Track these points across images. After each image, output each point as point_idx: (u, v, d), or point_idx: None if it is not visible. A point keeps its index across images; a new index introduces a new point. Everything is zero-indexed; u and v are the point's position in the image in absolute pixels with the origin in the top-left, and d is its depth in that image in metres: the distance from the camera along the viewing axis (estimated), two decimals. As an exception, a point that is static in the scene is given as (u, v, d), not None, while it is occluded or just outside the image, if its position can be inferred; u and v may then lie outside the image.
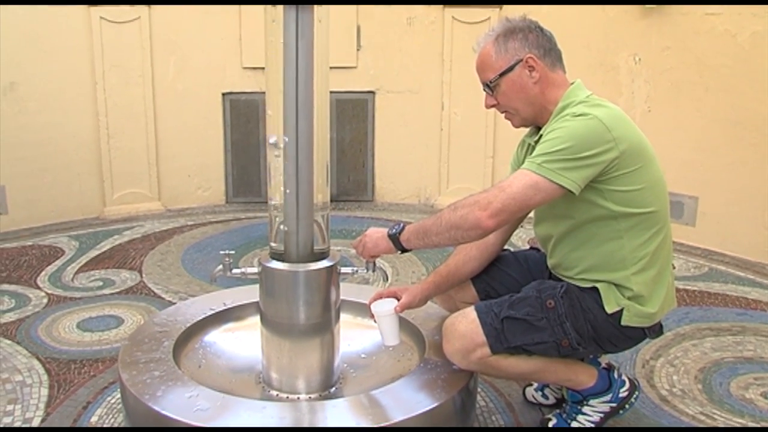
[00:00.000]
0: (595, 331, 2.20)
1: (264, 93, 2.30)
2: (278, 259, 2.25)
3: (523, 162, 2.20)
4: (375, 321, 2.32)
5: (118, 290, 3.77)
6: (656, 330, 2.32)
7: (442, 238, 2.13)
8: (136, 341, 2.43)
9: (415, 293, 2.38)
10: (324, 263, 2.25)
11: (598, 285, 2.21)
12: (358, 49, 5.28)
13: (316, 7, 2.12)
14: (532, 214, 2.37)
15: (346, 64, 5.25)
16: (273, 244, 2.31)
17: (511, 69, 2.20)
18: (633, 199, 2.13)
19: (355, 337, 2.62)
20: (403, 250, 2.23)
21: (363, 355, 2.57)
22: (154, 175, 5.27)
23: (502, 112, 2.31)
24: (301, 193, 2.20)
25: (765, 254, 4.33)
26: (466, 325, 2.21)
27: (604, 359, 2.47)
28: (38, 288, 3.77)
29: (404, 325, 2.49)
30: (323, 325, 2.29)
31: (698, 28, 4.42)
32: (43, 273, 3.99)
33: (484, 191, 2.09)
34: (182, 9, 5.07)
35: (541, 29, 2.24)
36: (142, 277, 3.97)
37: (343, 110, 5.38)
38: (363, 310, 2.57)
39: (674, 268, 2.38)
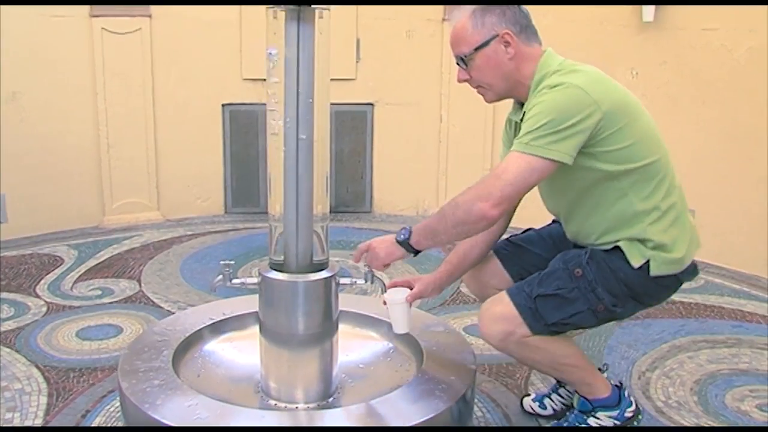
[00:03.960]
0: (630, 288, 2.21)
1: (264, 104, 2.32)
2: (278, 270, 2.27)
3: (513, 141, 2.22)
4: (387, 308, 2.34)
5: (117, 299, 3.78)
6: (690, 272, 2.32)
7: (451, 236, 2.15)
8: (136, 350, 2.45)
9: (428, 282, 2.41)
10: (323, 274, 2.27)
11: (619, 243, 2.21)
12: (357, 62, 5.31)
13: (317, 19, 2.15)
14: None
15: (346, 76, 5.27)
16: (273, 255, 2.33)
17: (486, 44, 2.18)
18: (626, 155, 2.14)
19: (353, 347, 2.64)
20: (416, 253, 2.24)
21: (361, 365, 2.59)
22: (154, 184, 5.28)
23: (474, 87, 2.30)
24: (300, 204, 2.22)
25: (761, 267, 4.34)
26: (501, 308, 2.23)
27: (616, 380, 2.49)
28: (37, 296, 3.78)
29: (402, 336, 2.50)
30: (322, 336, 2.31)
31: (695, 42, 4.46)
32: (42, 281, 4.00)
33: (480, 182, 2.09)
34: (183, 20, 5.09)
35: (519, 6, 2.23)
36: (141, 286, 3.98)
37: (342, 122, 5.40)
38: (362, 320, 2.59)
39: (693, 213, 2.37)
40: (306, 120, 2.17)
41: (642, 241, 2.20)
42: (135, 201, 5.24)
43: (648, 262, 2.19)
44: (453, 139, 5.39)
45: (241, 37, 5.21)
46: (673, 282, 2.29)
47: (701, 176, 4.53)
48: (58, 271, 4.18)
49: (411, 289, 2.36)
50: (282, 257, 2.27)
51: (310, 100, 2.16)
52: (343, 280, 2.34)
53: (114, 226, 5.10)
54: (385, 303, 2.34)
